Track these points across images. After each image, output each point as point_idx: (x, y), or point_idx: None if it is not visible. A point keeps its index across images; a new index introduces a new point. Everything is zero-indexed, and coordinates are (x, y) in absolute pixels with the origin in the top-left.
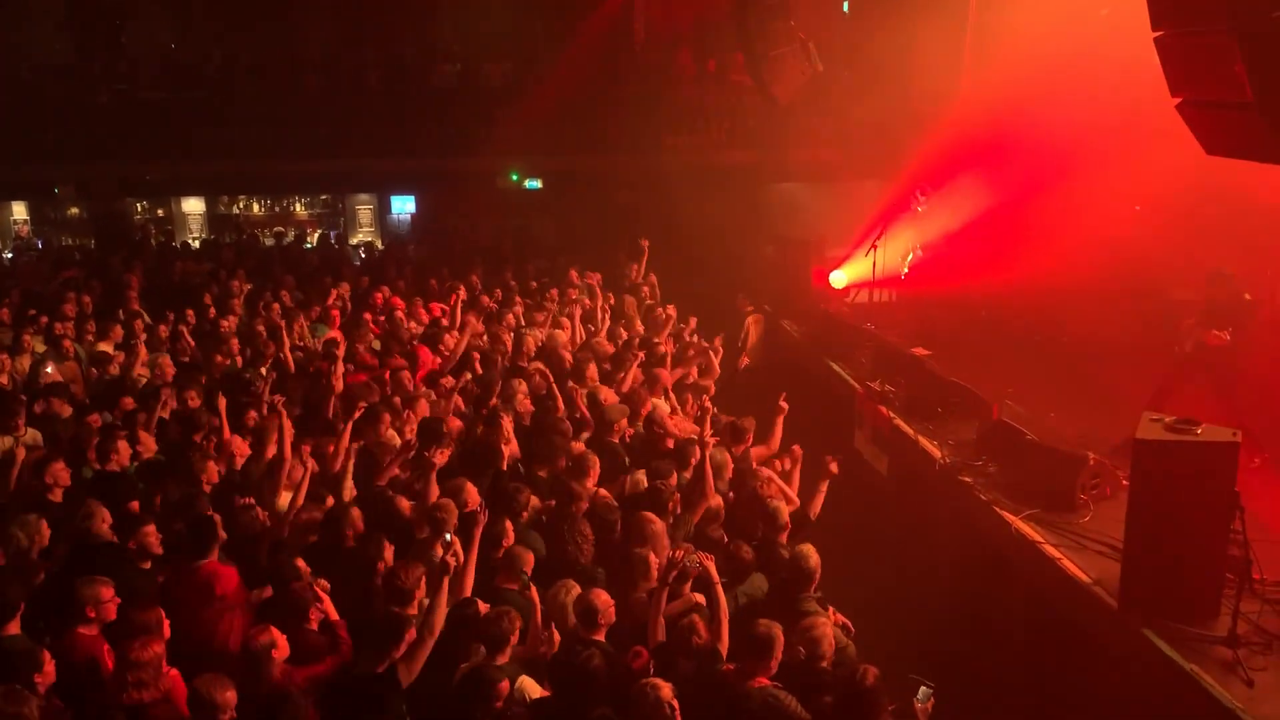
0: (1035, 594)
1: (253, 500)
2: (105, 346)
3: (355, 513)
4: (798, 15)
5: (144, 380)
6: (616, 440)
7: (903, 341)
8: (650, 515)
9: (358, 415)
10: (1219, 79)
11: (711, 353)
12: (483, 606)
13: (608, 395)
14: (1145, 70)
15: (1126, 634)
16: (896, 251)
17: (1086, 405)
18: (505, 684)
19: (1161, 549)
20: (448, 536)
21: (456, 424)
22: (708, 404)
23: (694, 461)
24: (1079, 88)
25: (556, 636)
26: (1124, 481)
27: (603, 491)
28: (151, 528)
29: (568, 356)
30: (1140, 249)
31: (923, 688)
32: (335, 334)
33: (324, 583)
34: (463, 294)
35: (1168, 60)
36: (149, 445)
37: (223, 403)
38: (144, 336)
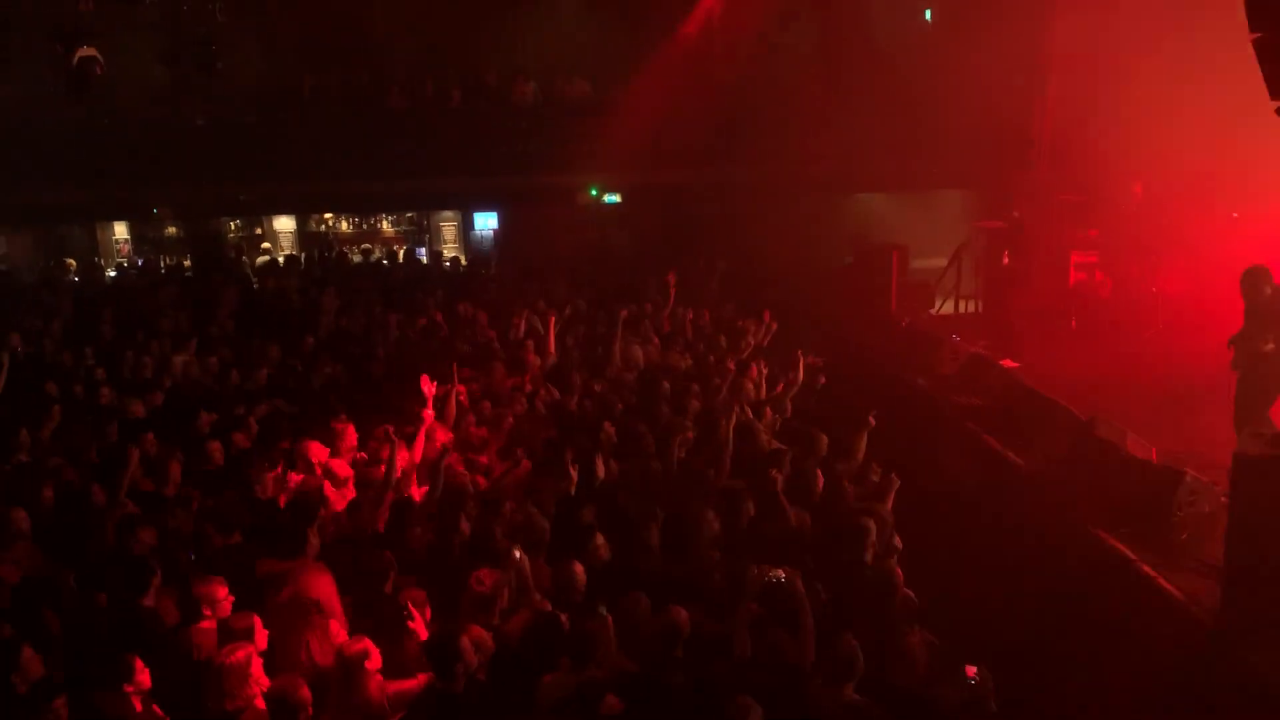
0: (1129, 614)
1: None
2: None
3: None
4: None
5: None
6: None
7: (989, 353)
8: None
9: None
10: None
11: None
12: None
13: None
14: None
15: (1226, 655)
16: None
17: (1182, 419)
18: (612, 698)
19: (1263, 568)
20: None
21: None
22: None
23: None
24: (1168, 93)
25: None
26: (1223, 499)
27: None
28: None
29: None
30: (1236, 257)
31: (970, 668)
32: None
33: (418, 594)
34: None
35: (1267, 62)
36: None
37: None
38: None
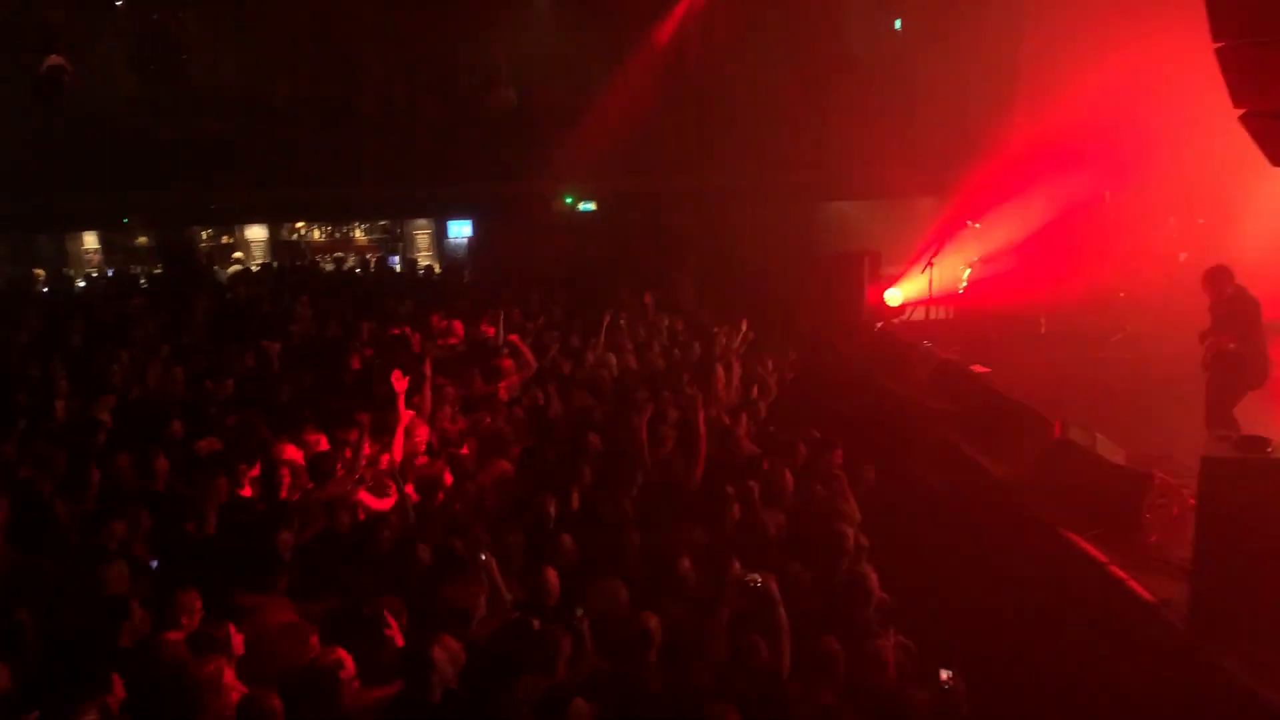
0: (1101, 616)
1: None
2: None
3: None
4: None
5: None
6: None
7: (960, 358)
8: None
9: None
10: None
11: (766, 371)
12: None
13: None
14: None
15: (1196, 657)
16: (953, 268)
17: (1150, 422)
18: (580, 702)
19: (1232, 570)
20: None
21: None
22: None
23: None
24: (1136, 99)
25: None
26: (1191, 501)
27: None
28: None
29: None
30: (1202, 264)
31: (942, 671)
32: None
33: (394, 601)
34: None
35: (1230, 71)
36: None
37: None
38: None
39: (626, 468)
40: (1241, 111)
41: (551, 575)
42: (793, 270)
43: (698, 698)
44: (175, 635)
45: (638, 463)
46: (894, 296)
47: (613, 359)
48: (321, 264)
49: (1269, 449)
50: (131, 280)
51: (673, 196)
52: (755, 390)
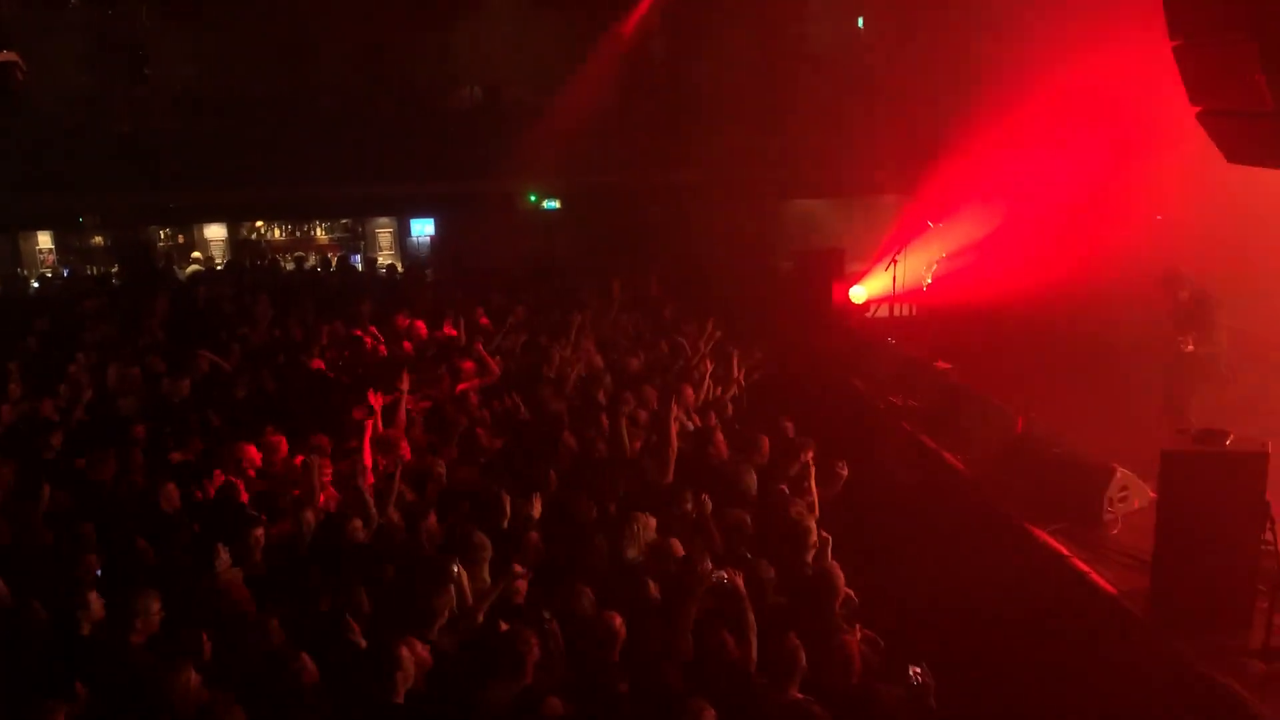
0: (1064, 608)
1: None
2: None
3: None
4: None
5: None
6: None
7: (924, 355)
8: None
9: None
10: (1239, 87)
11: (729, 367)
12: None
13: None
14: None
15: (1157, 647)
16: (918, 265)
17: (1111, 417)
18: (554, 701)
19: (1191, 561)
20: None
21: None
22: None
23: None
24: (1099, 98)
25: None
26: (1152, 494)
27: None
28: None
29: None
30: (1164, 260)
31: (911, 667)
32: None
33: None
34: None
35: (1186, 69)
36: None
37: None
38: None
39: (602, 468)
40: (1198, 109)
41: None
42: (758, 268)
43: (667, 696)
44: (136, 638)
45: (618, 462)
46: (858, 294)
47: (581, 358)
48: (282, 263)
49: (1227, 442)
50: (87, 281)
51: (637, 194)
52: (721, 389)
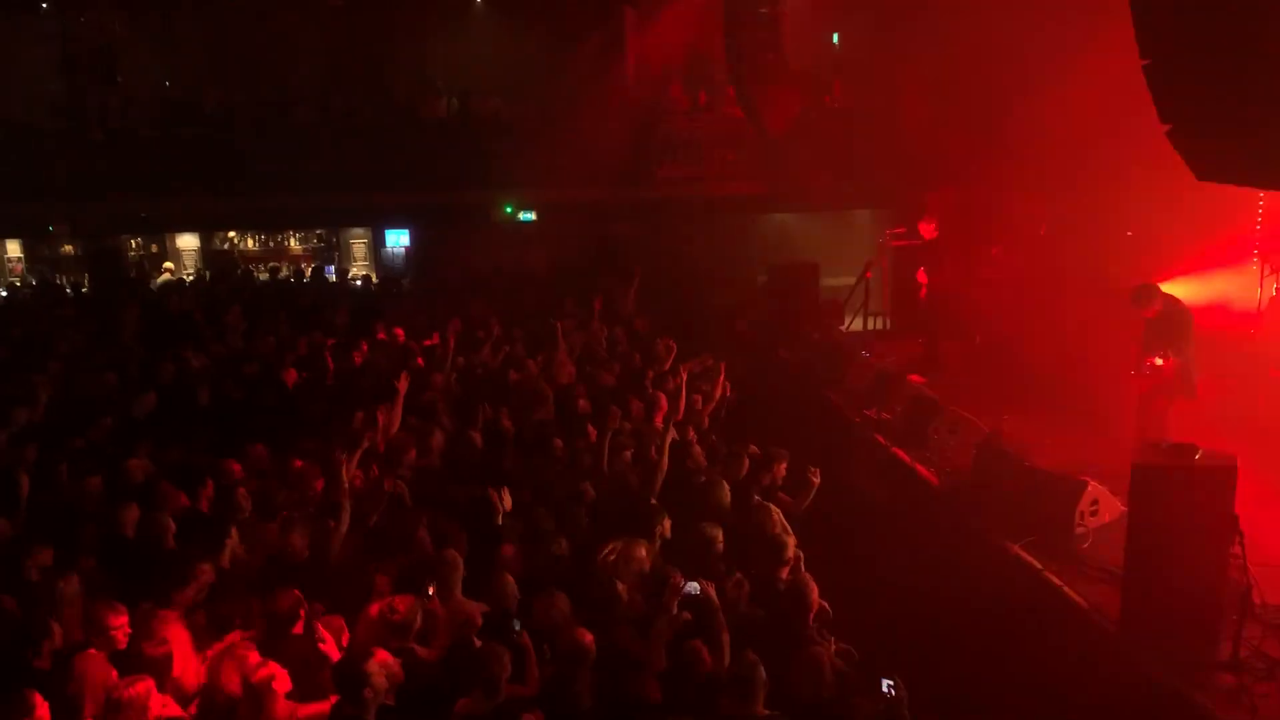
0: (1035, 621)
1: None
2: None
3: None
4: (788, 48)
5: None
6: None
7: (898, 368)
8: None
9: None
10: (1207, 106)
11: (709, 381)
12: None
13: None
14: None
15: (1127, 660)
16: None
17: (1083, 430)
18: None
19: (1161, 574)
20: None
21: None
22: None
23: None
24: (1069, 108)
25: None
26: (1122, 508)
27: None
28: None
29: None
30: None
31: (885, 680)
32: None
33: (336, 620)
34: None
35: (1156, 88)
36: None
37: None
38: None
39: (577, 478)
40: (1168, 128)
41: (509, 581)
42: (735, 281)
43: (640, 709)
44: (93, 652)
45: (595, 474)
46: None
47: (560, 369)
48: (256, 274)
49: (1197, 456)
50: (57, 290)
51: (613, 207)
52: (700, 401)
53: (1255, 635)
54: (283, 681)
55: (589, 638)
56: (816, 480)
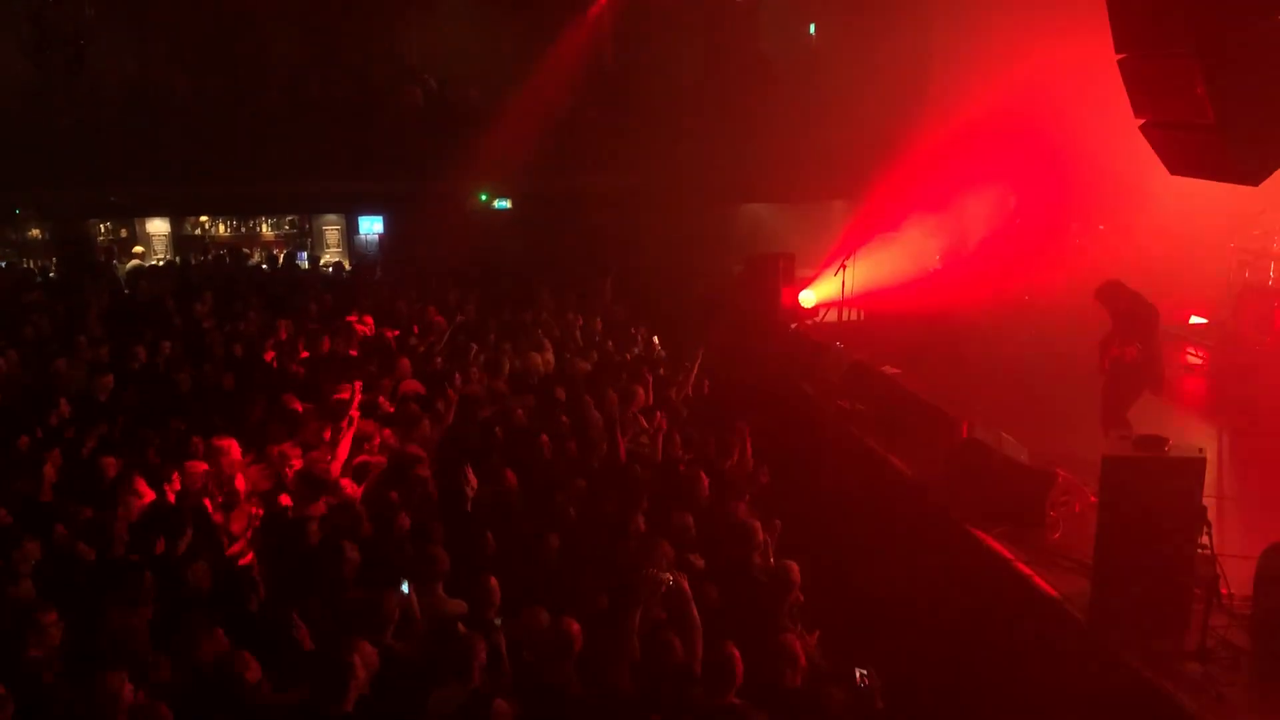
0: (1006, 611)
1: None
2: None
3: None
4: (766, 37)
5: None
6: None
7: (872, 360)
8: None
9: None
10: (1182, 101)
11: (683, 371)
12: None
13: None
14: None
15: (1097, 650)
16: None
17: (1053, 422)
18: (501, 704)
19: (1130, 565)
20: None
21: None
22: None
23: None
24: (1043, 107)
25: None
26: (1093, 499)
27: None
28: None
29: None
30: (1106, 268)
31: (857, 669)
32: None
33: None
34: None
35: (1131, 82)
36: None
37: None
38: None
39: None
40: (1142, 121)
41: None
42: (710, 272)
43: (615, 699)
44: (35, 653)
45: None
46: (808, 298)
47: (537, 360)
48: (226, 259)
49: (1166, 448)
50: (25, 274)
51: (588, 196)
52: (674, 391)
53: (1222, 625)
54: (254, 670)
55: (576, 626)
56: (765, 477)
